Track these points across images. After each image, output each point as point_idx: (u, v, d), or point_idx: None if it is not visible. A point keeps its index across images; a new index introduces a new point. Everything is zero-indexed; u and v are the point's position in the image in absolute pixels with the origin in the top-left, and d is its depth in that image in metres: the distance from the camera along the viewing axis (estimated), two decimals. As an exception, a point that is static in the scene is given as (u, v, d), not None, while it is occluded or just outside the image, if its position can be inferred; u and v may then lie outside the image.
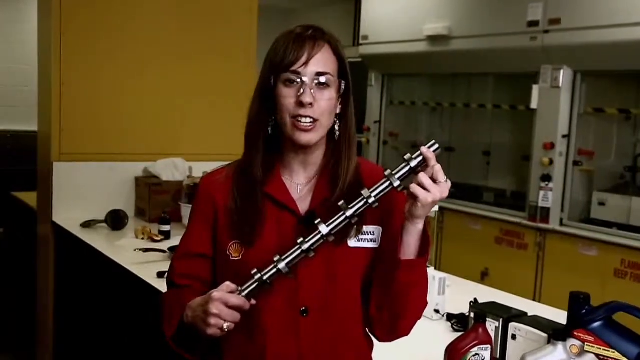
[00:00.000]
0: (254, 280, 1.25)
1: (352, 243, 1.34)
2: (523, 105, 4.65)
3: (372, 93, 5.83)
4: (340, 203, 1.25)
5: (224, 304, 1.22)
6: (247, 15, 3.97)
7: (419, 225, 1.26)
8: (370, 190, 1.25)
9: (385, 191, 1.25)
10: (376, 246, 1.36)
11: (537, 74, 4.34)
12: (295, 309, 1.32)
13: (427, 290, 1.36)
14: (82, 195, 3.51)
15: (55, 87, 3.45)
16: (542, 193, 4.29)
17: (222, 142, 3.50)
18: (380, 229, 1.36)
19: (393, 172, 1.25)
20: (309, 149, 1.35)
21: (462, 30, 4.84)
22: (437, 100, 5.55)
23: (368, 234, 1.35)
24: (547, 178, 4.27)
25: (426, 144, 1.25)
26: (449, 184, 1.24)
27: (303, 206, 1.36)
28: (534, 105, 4.36)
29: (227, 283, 1.26)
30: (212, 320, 1.22)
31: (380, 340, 1.41)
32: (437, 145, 1.25)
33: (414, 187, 1.21)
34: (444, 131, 5.57)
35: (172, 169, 3.63)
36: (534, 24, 4.29)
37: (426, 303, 1.37)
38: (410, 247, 1.27)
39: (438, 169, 1.22)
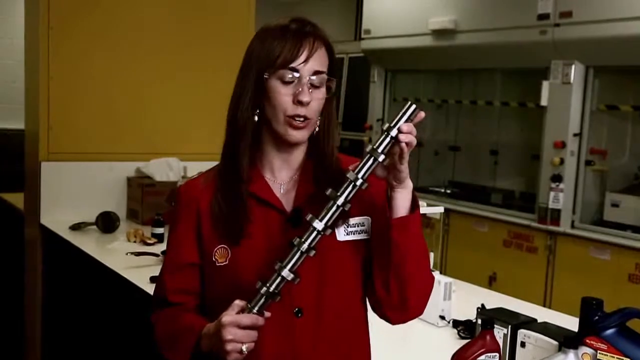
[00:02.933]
0: (260, 294, 1.24)
1: (342, 237, 1.35)
2: (532, 102, 4.65)
3: (374, 89, 5.83)
4: (329, 192, 1.25)
5: (236, 326, 1.22)
6: (245, 9, 3.97)
7: (409, 183, 1.28)
8: (356, 171, 1.24)
9: (372, 168, 1.25)
10: (368, 237, 1.37)
11: (547, 69, 4.34)
12: (289, 310, 1.33)
13: (428, 256, 1.37)
14: (71, 197, 3.51)
15: (43, 82, 3.45)
16: (552, 194, 4.29)
17: (218, 141, 3.50)
18: (369, 219, 1.37)
19: (375, 147, 1.24)
20: (293, 147, 1.37)
21: (469, 24, 4.84)
22: (443, 97, 5.55)
23: (357, 226, 1.36)
24: (557, 178, 4.27)
25: (405, 111, 1.24)
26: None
27: (287, 203, 1.37)
28: (544, 102, 4.36)
29: (237, 302, 1.25)
30: (229, 347, 1.22)
31: (393, 322, 1.40)
32: (414, 106, 1.24)
33: (403, 159, 1.22)
34: (449, 129, 5.57)
35: (166, 169, 3.63)
36: (544, 17, 4.29)
37: (432, 275, 1.38)
38: (403, 208, 1.28)
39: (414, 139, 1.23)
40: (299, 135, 1.33)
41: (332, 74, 1.37)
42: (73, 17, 3.51)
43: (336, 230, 1.34)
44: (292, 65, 1.30)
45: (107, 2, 3.60)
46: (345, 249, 1.36)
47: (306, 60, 1.31)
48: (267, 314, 1.25)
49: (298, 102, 1.30)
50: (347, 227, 1.35)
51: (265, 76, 1.32)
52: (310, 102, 1.31)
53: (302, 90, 1.30)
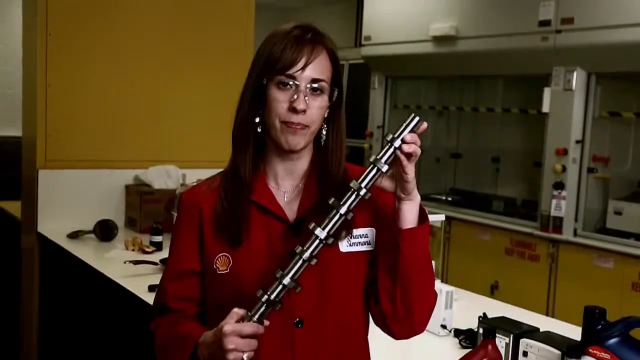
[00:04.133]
0: (261, 302, 1.24)
1: (344, 248, 1.35)
2: (534, 109, 4.66)
3: (375, 96, 5.84)
4: (332, 201, 1.26)
5: (238, 335, 1.22)
6: (244, 15, 3.98)
7: (417, 197, 1.28)
8: (359, 180, 1.25)
9: (375, 178, 1.26)
10: (371, 249, 1.37)
11: (549, 76, 4.35)
12: (289, 321, 1.33)
13: (433, 271, 1.37)
14: (68, 205, 3.51)
15: (40, 89, 3.45)
16: (554, 202, 4.29)
17: (217, 148, 3.49)
18: (374, 230, 1.37)
19: (378, 157, 1.25)
20: (295, 154, 1.37)
21: (470, 30, 4.86)
22: (444, 104, 5.56)
23: (361, 237, 1.36)
24: (559, 186, 4.27)
25: (409, 122, 1.26)
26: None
27: (290, 213, 1.37)
28: (545, 109, 4.36)
29: (235, 310, 1.25)
30: (231, 356, 1.22)
31: (397, 336, 1.39)
32: (417, 118, 1.26)
33: (407, 168, 1.23)
34: (450, 136, 5.58)
35: (164, 177, 3.63)
36: (545, 23, 4.31)
37: (435, 293, 1.38)
38: (411, 220, 1.29)
39: (418, 149, 1.25)
40: (295, 141, 1.32)
41: (336, 82, 1.37)
42: (71, 23, 3.51)
43: (339, 242, 1.33)
44: (289, 72, 1.30)
45: (105, 8, 3.61)
46: (348, 260, 1.35)
47: (304, 68, 1.30)
48: (267, 322, 1.25)
49: (293, 110, 1.30)
50: (351, 238, 1.35)
51: (264, 82, 1.33)
52: (308, 110, 1.31)
53: (297, 97, 1.30)
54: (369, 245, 1.37)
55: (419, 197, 1.29)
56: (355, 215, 1.29)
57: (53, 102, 3.48)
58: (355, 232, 1.35)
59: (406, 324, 1.35)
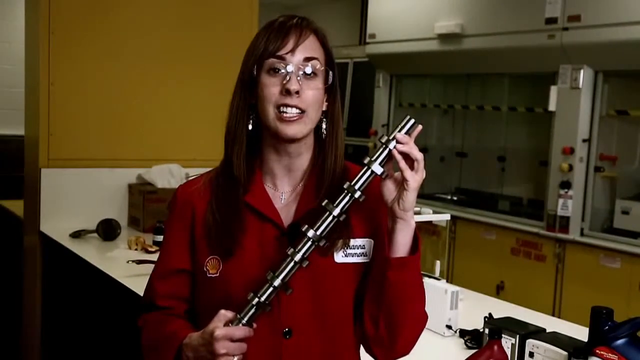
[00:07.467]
0: (251, 305, 1.22)
1: (339, 258, 1.31)
2: (540, 107, 4.65)
3: (379, 94, 5.84)
4: (325, 203, 1.23)
5: (229, 339, 1.20)
6: (247, 13, 3.99)
7: (412, 220, 1.25)
8: (353, 182, 1.24)
9: (369, 180, 1.24)
10: (367, 260, 1.33)
11: (556, 74, 4.34)
12: (277, 331, 1.29)
13: (424, 297, 1.33)
14: (71, 204, 3.52)
15: (43, 88, 3.46)
16: (561, 201, 4.29)
17: (220, 147, 3.50)
18: (372, 241, 1.33)
19: (372, 159, 1.24)
20: (294, 151, 1.33)
21: (476, 28, 4.85)
22: (449, 102, 5.56)
23: (357, 248, 1.32)
24: (566, 185, 4.27)
25: (404, 125, 1.24)
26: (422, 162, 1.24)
27: (287, 216, 1.33)
28: (552, 107, 4.36)
29: (223, 312, 1.23)
30: None
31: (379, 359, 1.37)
32: (413, 120, 1.24)
33: (405, 172, 1.21)
34: (456, 135, 5.57)
35: (167, 176, 3.64)
36: (552, 21, 4.30)
37: (426, 315, 1.35)
38: (404, 246, 1.26)
39: (415, 149, 1.23)
40: (292, 129, 1.27)
41: (330, 64, 1.33)
42: (74, 22, 3.52)
43: (335, 252, 1.30)
44: (279, 53, 1.27)
45: (108, 7, 3.62)
46: (342, 271, 1.31)
47: (293, 50, 1.28)
48: (254, 325, 1.23)
49: (286, 92, 1.26)
50: (347, 248, 1.31)
51: (254, 73, 1.30)
52: (303, 92, 1.27)
53: (290, 79, 1.26)
54: (365, 257, 1.33)
55: (414, 223, 1.25)
56: (353, 225, 1.27)
57: (55, 100, 3.49)
58: (352, 242, 1.31)
59: (388, 349, 1.32)
